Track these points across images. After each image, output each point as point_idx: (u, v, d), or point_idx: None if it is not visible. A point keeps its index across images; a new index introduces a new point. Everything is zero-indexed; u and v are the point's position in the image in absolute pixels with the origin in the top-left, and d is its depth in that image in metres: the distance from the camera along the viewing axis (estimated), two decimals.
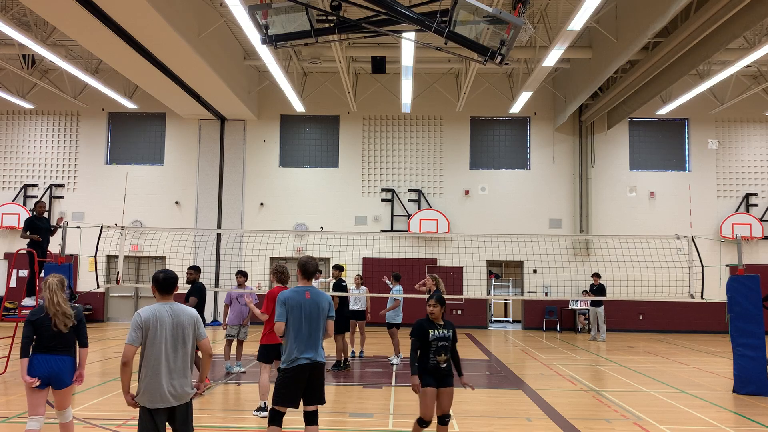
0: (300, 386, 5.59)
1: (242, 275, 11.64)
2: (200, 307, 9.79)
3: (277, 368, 5.79)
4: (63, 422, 5.85)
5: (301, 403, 5.73)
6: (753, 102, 21.33)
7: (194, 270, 10.15)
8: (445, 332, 6.14)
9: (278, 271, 7.88)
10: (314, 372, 5.62)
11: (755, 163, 21.95)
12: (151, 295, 4.83)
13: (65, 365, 5.70)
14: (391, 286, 13.19)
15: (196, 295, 9.76)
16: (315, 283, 9.25)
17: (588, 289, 19.10)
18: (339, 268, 12.51)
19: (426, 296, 12.01)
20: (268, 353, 8.18)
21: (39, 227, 11.87)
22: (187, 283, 9.94)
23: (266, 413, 8.22)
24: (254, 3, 7.41)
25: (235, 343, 11.57)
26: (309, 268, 5.80)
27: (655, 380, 11.60)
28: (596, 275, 18.41)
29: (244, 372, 11.50)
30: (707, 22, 13.42)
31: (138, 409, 4.66)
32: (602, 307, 18.43)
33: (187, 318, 4.75)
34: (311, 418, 5.73)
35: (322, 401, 5.72)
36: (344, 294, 12.31)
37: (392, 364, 13.07)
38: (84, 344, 5.83)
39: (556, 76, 21.78)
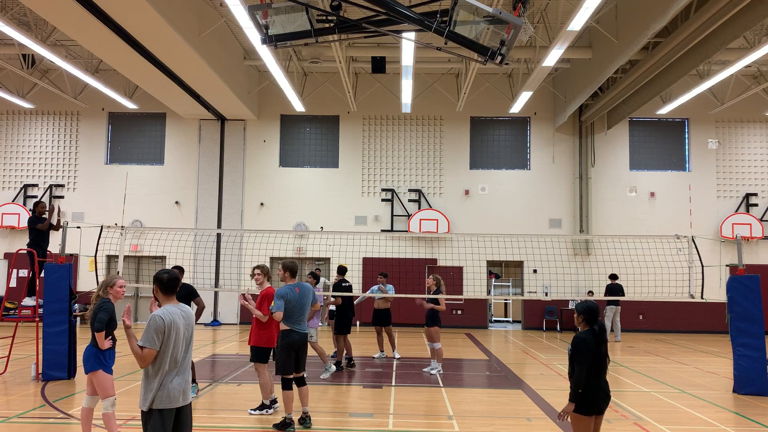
0: (293, 353, 7.61)
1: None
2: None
3: (276, 345, 7.83)
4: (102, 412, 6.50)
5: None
6: (753, 102, 21.32)
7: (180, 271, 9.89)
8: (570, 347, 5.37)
9: (266, 271, 8.52)
10: (302, 342, 7.70)
11: (755, 163, 21.95)
12: (150, 295, 4.83)
13: (85, 353, 6.55)
14: (384, 285, 13.12)
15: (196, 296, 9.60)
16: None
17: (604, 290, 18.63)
18: (341, 271, 12.48)
19: (426, 296, 12.00)
20: (262, 353, 8.21)
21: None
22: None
23: (269, 410, 8.27)
24: (254, 3, 7.40)
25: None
26: (295, 268, 7.80)
27: (655, 380, 11.60)
28: (612, 276, 18.09)
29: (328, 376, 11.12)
30: (707, 22, 13.41)
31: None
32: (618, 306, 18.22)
33: (193, 319, 4.83)
34: (302, 382, 7.77)
35: (302, 369, 7.77)
36: (349, 294, 12.25)
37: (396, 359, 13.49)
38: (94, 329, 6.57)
39: (556, 76, 21.78)
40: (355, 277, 19.89)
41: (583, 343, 5.20)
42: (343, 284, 12.29)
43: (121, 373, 10.47)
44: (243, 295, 8.32)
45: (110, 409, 6.40)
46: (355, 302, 12.82)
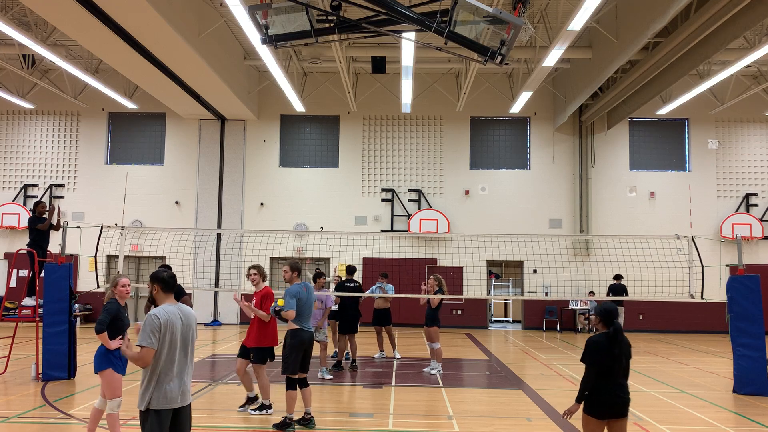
0: (301, 352, 7.64)
1: (322, 276, 11.17)
2: None
3: (283, 342, 7.74)
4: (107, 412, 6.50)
5: None
6: (753, 102, 21.32)
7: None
8: None
9: (262, 271, 8.47)
10: (311, 341, 7.83)
11: (755, 163, 21.95)
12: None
13: (96, 352, 6.60)
14: (384, 285, 13.21)
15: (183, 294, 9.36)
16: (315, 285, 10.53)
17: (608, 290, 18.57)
18: (349, 271, 12.49)
19: (423, 296, 11.99)
20: (262, 354, 8.19)
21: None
22: None
23: (270, 410, 8.27)
24: (254, 3, 7.40)
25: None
26: (301, 268, 7.90)
27: (655, 380, 11.60)
28: (617, 276, 18.06)
29: (331, 378, 11.12)
30: (707, 22, 13.41)
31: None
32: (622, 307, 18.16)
33: (193, 318, 4.78)
34: (304, 383, 7.79)
35: (307, 370, 7.82)
36: (350, 294, 12.22)
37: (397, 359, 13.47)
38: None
39: (556, 76, 21.78)
40: (355, 278, 19.90)
41: (594, 345, 5.14)
42: (346, 284, 12.29)
43: None
44: (242, 296, 8.30)
45: (115, 410, 6.40)
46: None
